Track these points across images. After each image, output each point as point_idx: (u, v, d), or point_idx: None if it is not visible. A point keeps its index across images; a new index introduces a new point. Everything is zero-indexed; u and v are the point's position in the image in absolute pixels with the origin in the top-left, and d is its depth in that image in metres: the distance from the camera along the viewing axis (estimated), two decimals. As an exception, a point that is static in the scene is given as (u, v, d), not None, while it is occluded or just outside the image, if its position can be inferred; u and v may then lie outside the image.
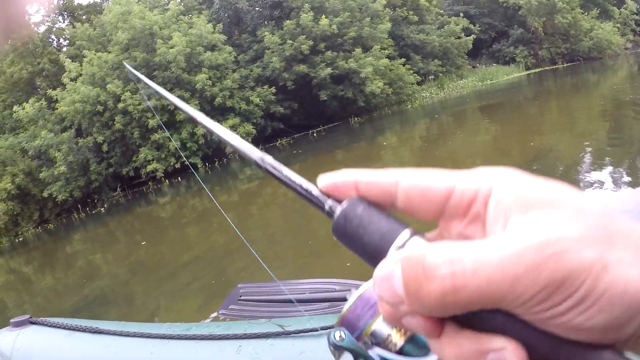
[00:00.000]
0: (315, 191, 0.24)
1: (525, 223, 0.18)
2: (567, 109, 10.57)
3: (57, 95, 13.94)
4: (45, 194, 13.31)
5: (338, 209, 0.23)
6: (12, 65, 17.04)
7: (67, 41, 18.71)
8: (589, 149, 6.02)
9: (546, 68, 20.73)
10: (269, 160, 0.27)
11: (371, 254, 0.21)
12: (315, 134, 13.90)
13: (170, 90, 13.03)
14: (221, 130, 0.29)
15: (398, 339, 0.37)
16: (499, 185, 0.19)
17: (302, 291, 1.00)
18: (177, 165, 12.45)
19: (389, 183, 0.22)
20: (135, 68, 13.24)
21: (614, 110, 9.24)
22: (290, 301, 0.95)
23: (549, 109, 11.23)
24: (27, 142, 13.94)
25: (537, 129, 8.38)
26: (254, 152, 0.28)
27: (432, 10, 19.74)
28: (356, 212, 0.22)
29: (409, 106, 15.53)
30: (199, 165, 12.87)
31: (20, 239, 13.36)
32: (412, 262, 0.18)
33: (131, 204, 12.56)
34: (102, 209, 12.91)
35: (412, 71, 16.02)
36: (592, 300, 0.16)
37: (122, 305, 5.05)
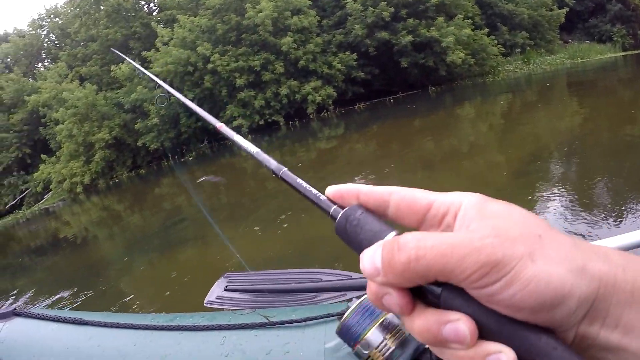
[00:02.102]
0: (323, 198, 0.32)
1: (479, 225, 0.26)
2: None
3: (150, 57, 16.03)
4: (139, 144, 15.55)
5: (340, 213, 0.30)
6: (106, 28, 19.57)
7: (157, 8, 21.07)
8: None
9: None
10: (284, 170, 0.36)
11: (365, 249, 0.28)
12: (392, 100, 14.83)
13: (257, 53, 14.58)
14: (240, 140, 0.40)
15: (391, 343, 0.46)
16: (467, 202, 0.28)
17: (288, 281, 1.03)
18: (261, 122, 14.01)
19: (384, 194, 0.30)
20: (226, 32, 15.02)
21: None
22: (276, 291, 1.00)
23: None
24: (123, 97, 16.25)
25: (631, 117, 7.62)
26: (271, 163, 0.37)
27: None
28: (355, 216, 0.30)
29: (491, 79, 15.91)
30: (281, 123, 14.35)
31: (115, 181, 15.77)
32: (390, 243, 0.27)
33: (216, 155, 14.35)
34: (189, 158, 14.87)
35: (496, 42, 16.29)
36: (520, 285, 0.24)
37: (199, 244, 5.77)
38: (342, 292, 0.96)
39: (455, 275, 0.24)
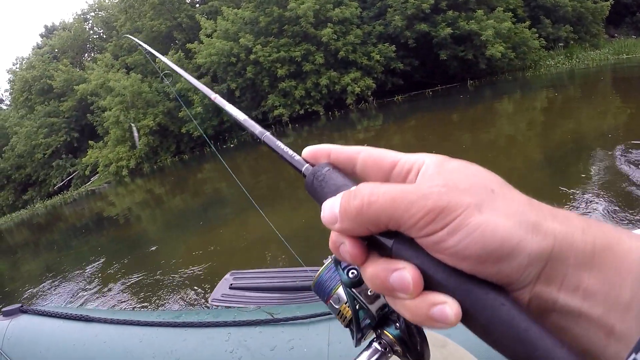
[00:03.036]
0: (297, 158, 0.36)
1: (434, 178, 0.27)
2: None
3: (194, 48, 17.00)
4: (183, 131, 16.59)
5: (310, 170, 0.34)
6: (151, 20, 20.72)
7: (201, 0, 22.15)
8: None
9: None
10: (266, 134, 0.41)
11: None
12: (431, 93, 15.26)
13: (298, 44, 15.25)
14: (231, 109, 0.45)
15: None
16: (429, 160, 0.29)
17: (292, 279, 1.02)
18: (301, 112, 14.74)
19: (353, 153, 0.33)
20: (268, 24, 15.79)
21: None
22: (280, 289, 0.99)
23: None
24: (168, 87, 17.28)
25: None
26: (256, 128, 0.42)
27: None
28: (322, 172, 0.32)
29: (532, 73, 16.04)
30: (320, 113, 15.04)
31: (160, 166, 16.88)
32: (348, 192, 0.29)
33: (257, 143, 14.96)
34: (231, 145, 15.78)
35: (538, 35, 16.38)
36: (465, 232, 0.24)
37: (237, 225, 6.15)
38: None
39: (404, 221, 0.26)
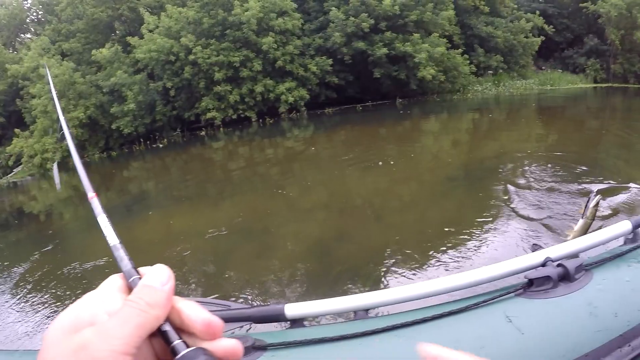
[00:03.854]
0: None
1: None
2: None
3: (135, 43, 16.86)
4: (113, 127, 16.34)
5: None
6: (93, 7, 20.29)
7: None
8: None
9: (615, 85, 21.33)
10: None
11: None
12: (361, 108, 16.01)
13: (238, 50, 15.51)
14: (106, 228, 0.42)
15: None
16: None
17: None
18: (234, 117, 14.99)
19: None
20: (212, 26, 15.98)
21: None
22: None
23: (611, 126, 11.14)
24: (102, 81, 17.02)
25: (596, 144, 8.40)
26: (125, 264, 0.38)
27: (507, 3, 21.07)
28: None
29: (460, 96, 17.21)
30: (252, 119, 15.35)
31: (87, 161, 16.52)
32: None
33: (187, 144, 15.26)
34: (160, 145, 15.75)
35: (469, 62, 17.60)
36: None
37: (158, 228, 6.49)
38: None
39: None
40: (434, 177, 7.06)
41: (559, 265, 1.05)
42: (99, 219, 0.45)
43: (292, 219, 5.90)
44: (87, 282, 4.53)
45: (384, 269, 3.85)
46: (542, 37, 20.20)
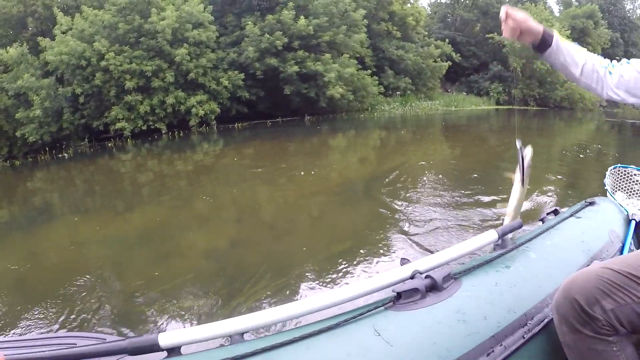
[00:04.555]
0: None
1: None
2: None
3: (46, 45, 16.56)
4: (17, 134, 15.94)
5: None
6: (5, 1, 19.53)
7: (63, -11, 21.34)
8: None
9: (515, 107, 23.95)
10: None
11: None
12: (270, 124, 16.90)
13: (151, 59, 15.75)
14: None
15: None
16: None
17: (36, 349, 0.98)
18: (144, 128, 15.29)
19: None
20: (127, 32, 16.10)
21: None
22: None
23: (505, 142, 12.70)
24: (8, 83, 16.51)
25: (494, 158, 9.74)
26: None
27: (418, 30, 22.99)
28: None
29: (368, 115, 18.64)
30: (163, 131, 15.72)
31: (-14, 169, 16.00)
32: None
33: (95, 155, 15.32)
34: (66, 155, 15.66)
35: (377, 83, 19.09)
36: None
37: (66, 248, 6.47)
38: (96, 358, 0.97)
39: None
40: (333, 191, 7.75)
41: (427, 276, 1.11)
42: None
43: (194, 229, 6.33)
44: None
45: (263, 283, 4.11)
46: (450, 63, 22.25)
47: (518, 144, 1.49)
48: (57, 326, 3.73)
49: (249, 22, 17.27)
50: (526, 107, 24.23)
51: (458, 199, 6.43)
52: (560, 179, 7.81)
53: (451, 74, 23.47)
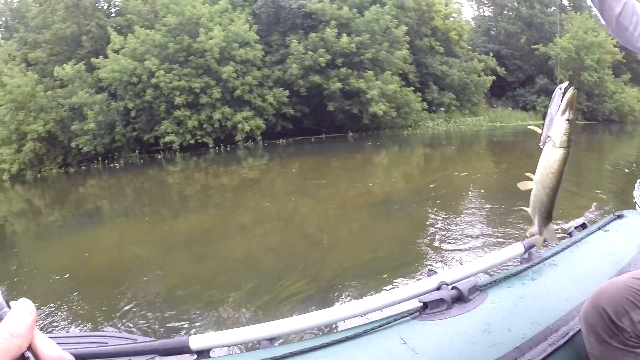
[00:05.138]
0: None
1: None
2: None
3: (99, 64, 17.59)
4: (72, 144, 16.99)
5: None
6: (62, 20, 20.86)
7: (117, 8, 22.63)
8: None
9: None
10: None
11: None
12: (314, 140, 17.26)
13: (200, 76, 16.47)
14: None
15: None
16: None
17: (68, 347, 0.96)
18: (192, 142, 15.96)
19: None
20: (176, 51, 16.94)
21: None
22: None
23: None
24: (63, 98, 17.62)
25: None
26: None
27: (461, 44, 22.91)
28: None
29: (411, 131, 18.69)
30: (210, 145, 16.35)
31: (44, 175, 17.09)
32: None
33: (145, 166, 16.09)
34: (117, 165, 16.52)
35: (421, 99, 19.13)
36: None
37: (111, 251, 6.89)
38: (126, 358, 1.00)
39: None
40: (372, 205, 7.91)
41: (453, 288, 1.13)
42: None
43: (234, 237, 6.68)
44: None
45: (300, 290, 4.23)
46: (494, 77, 22.02)
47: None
48: (95, 320, 4.02)
49: (293, 40, 17.77)
50: (574, 123, 23.50)
51: (497, 216, 6.42)
52: (598, 193, 7.67)
53: (496, 88, 23.20)
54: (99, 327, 3.90)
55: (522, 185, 1.24)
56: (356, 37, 17.52)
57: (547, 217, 1.22)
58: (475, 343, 1.00)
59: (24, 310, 0.42)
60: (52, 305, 4.42)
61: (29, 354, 0.40)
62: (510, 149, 15.58)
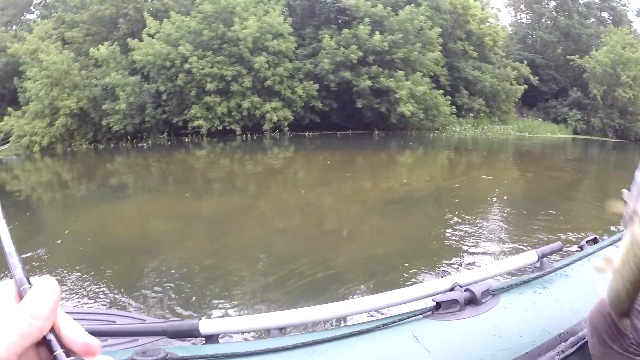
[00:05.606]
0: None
1: None
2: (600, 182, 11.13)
3: (134, 46, 18.08)
4: (103, 122, 17.53)
5: None
6: (99, 3, 21.49)
7: (154, -7, 23.16)
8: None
9: (594, 137, 22.88)
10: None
11: None
12: (340, 135, 17.44)
13: (232, 64, 16.81)
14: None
15: None
16: None
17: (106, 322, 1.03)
18: (220, 128, 16.34)
19: None
20: (211, 39, 17.28)
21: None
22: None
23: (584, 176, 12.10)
24: (97, 79, 18.18)
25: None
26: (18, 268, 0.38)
27: (496, 50, 22.77)
28: None
29: (438, 135, 18.71)
30: (237, 133, 16.69)
31: (73, 150, 17.69)
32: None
33: (172, 148, 16.54)
34: (145, 145, 17.01)
35: (450, 102, 19.11)
36: None
37: (133, 224, 7.03)
38: (134, 338, 1.00)
39: None
40: (392, 203, 8.02)
41: (466, 290, 1.15)
42: None
43: (253, 222, 6.87)
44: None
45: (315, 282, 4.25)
46: (526, 86, 21.82)
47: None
48: (106, 293, 4.10)
49: (326, 35, 17.97)
50: (604, 139, 23.19)
51: (516, 222, 6.49)
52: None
53: (529, 98, 22.98)
54: (111, 300, 4.00)
55: (612, 206, 0.97)
56: (389, 36, 17.60)
57: (623, 314, 1.00)
58: (486, 346, 1.03)
59: (46, 288, 0.37)
60: (66, 275, 4.55)
61: (51, 336, 0.36)
62: (538, 160, 15.47)
